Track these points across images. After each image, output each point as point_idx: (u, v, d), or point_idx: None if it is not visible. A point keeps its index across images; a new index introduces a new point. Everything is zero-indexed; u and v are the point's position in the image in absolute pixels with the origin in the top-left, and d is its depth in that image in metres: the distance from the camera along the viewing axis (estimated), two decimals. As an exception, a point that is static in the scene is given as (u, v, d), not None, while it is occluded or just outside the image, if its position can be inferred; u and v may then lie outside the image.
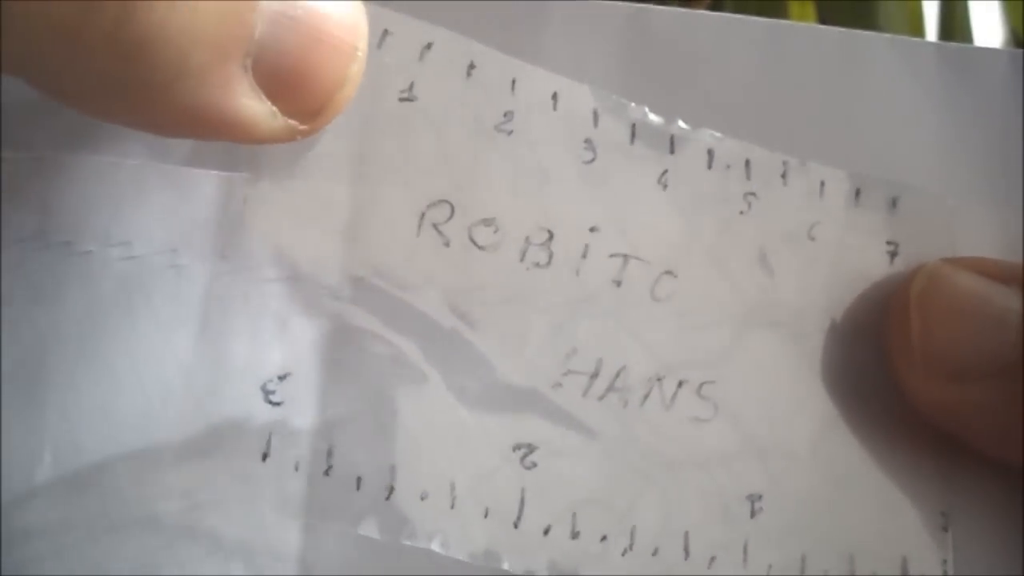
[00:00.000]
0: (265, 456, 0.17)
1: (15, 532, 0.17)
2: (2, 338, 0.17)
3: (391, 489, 0.17)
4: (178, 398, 0.17)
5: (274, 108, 0.15)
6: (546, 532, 0.17)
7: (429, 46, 0.18)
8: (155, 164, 0.18)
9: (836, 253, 0.18)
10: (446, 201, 0.18)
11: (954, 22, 0.30)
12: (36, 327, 0.17)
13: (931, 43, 0.19)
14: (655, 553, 0.17)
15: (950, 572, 0.17)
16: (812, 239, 0.18)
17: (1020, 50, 0.19)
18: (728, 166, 0.18)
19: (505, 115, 0.18)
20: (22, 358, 0.17)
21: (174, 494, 0.17)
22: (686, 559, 0.17)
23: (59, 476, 0.17)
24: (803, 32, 0.19)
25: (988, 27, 0.30)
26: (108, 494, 0.17)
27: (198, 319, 0.17)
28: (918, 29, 0.30)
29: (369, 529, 0.17)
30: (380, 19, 0.18)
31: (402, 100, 0.18)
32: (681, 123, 0.18)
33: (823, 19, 0.31)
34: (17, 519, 0.17)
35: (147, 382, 0.17)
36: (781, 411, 0.18)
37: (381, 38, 0.18)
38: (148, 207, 0.18)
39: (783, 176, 0.18)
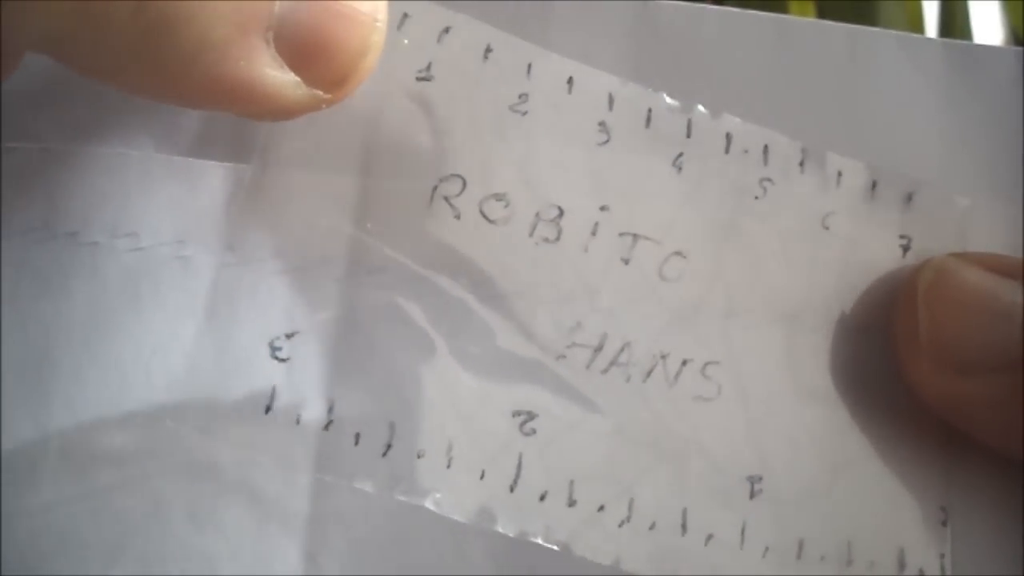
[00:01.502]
0: (268, 409, 0.17)
1: (20, 523, 0.17)
2: (8, 329, 0.17)
3: (388, 446, 0.17)
4: (184, 388, 0.17)
5: (297, 79, 0.15)
6: (542, 498, 0.17)
7: (447, 30, 0.18)
8: (162, 155, 0.17)
9: (849, 244, 0.18)
10: (458, 176, 0.18)
11: (954, 22, 0.30)
12: (42, 318, 0.17)
13: (936, 40, 0.19)
14: (652, 527, 0.17)
15: (947, 567, 0.17)
16: (826, 228, 0.18)
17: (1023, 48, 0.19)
18: (746, 151, 0.18)
19: (520, 96, 0.18)
20: (28, 349, 0.17)
21: (180, 479, 0.17)
22: (683, 535, 0.17)
23: (65, 466, 0.17)
24: (810, 28, 0.19)
25: (988, 27, 0.31)
26: (114, 484, 0.17)
27: (205, 310, 0.17)
28: (918, 29, 0.30)
29: (364, 484, 0.17)
30: (400, 3, 0.18)
31: (419, 79, 0.18)
32: (701, 108, 0.18)
33: (822, 18, 0.31)
34: (22, 510, 0.17)
35: (153, 373, 0.17)
36: (785, 396, 0.18)
37: (401, 21, 0.18)
38: (154, 198, 0.17)
39: (801, 164, 0.18)
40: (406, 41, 0.18)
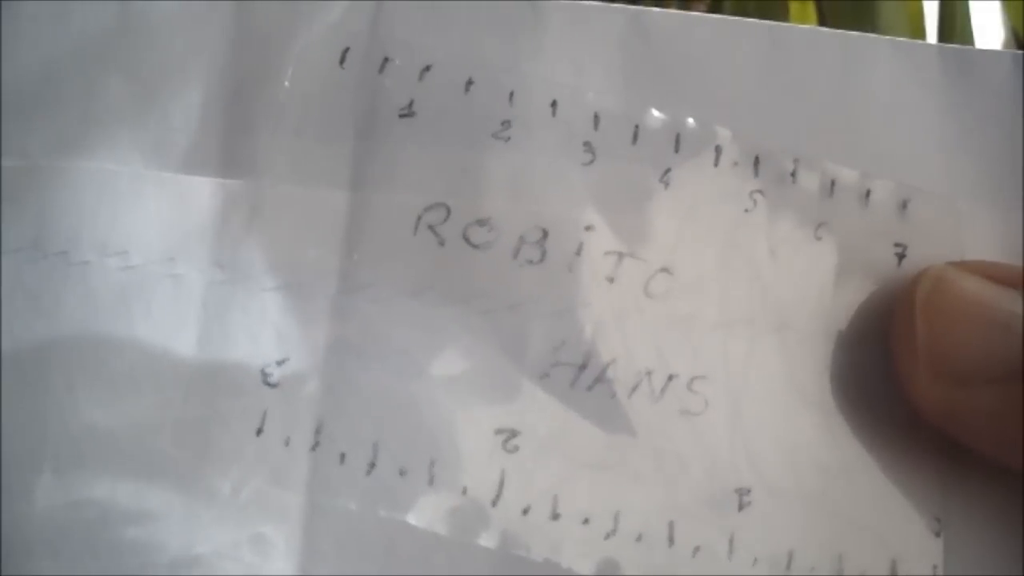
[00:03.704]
0: (259, 432, 0.17)
1: (16, 544, 0.17)
2: (1, 351, 0.17)
3: (372, 465, 0.17)
4: (177, 408, 0.17)
5: None
6: (525, 512, 0.17)
7: (428, 68, 0.18)
8: (152, 172, 0.17)
9: (843, 253, 0.18)
10: (443, 204, 0.18)
11: (954, 23, 0.30)
12: (34, 338, 0.17)
13: (933, 45, 0.19)
14: (639, 539, 0.17)
15: None
16: (819, 239, 0.18)
17: (1022, 52, 0.19)
18: (736, 163, 0.18)
19: (502, 124, 0.18)
20: (21, 370, 0.17)
21: (174, 492, 0.17)
22: (670, 547, 0.17)
23: (59, 487, 0.17)
24: (805, 35, 0.18)
25: (988, 28, 0.30)
26: (108, 504, 0.17)
27: (197, 329, 0.17)
28: (918, 30, 0.30)
29: (348, 502, 0.17)
30: (381, 47, 0.18)
31: (402, 116, 0.18)
32: (690, 120, 0.18)
33: (823, 20, 0.31)
34: (18, 531, 0.17)
35: (146, 392, 0.17)
36: (778, 407, 0.17)
37: (382, 64, 0.18)
38: (145, 216, 0.17)
39: (793, 174, 0.18)
40: (388, 83, 0.18)
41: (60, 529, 0.17)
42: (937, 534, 0.17)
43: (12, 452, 0.17)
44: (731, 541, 0.17)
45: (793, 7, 0.31)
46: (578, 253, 0.18)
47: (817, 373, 0.18)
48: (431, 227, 0.18)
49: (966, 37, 0.30)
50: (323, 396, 0.17)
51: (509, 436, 0.17)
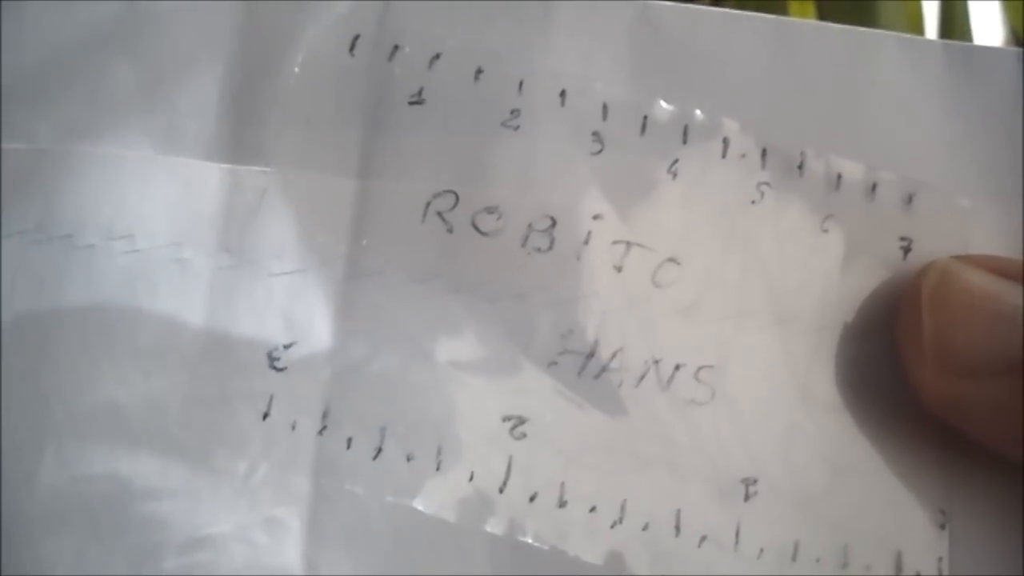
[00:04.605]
0: (266, 416, 0.17)
1: (17, 522, 0.16)
2: (5, 332, 0.17)
3: (379, 450, 0.17)
4: (183, 392, 0.17)
5: None
6: (532, 499, 0.17)
7: (438, 56, 0.18)
8: (159, 156, 0.17)
9: (849, 246, 0.18)
10: (451, 191, 0.18)
11: (954, 22, 0.30)
12: (38, 321, 0.17)
13: (937, 42, 0.19)
14: (645, 528, 0.17)
15: (945, 570, 0.17)
16: (825, 231, 0.18)
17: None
18: (743, 155, 0.18)
19: (512, 112, 0.18)
20: (24, 353, 0.17)
21: (180, 473, 0.17)
22: (676, 536, 0.17)
23: (62, 472, 0.17)
24: (811, 29, 0.18)
25: (988, 27, 0.30)
26: (113, 483, 0.17)
27: (203, 314, 0.17)
28: (918, 29, 0.30)
29: (355, 486, 0.17)
30: (390, 34, 0.18)
31: (411, 104, 0.18)
32: (698, 112, 0.18)
33: (823, 18, 0.31)
34: (19, 509, 0.16)
35: (152, 372, 0.17)
36: (783, 399, 0.17)
37: (391, 52, 0.18)
38: (151, 200, 0.17)
39: (799, 167, 0.18)
40: (398, 71, 0.18)
41: (63, 508, 0.16)
42: (942, 527, 0.17)
43: (14, 430, 0.17)
44: (737, 531, 0.17)
45: (792, 6, 0.31)
46: (586, 242, 0.18)
47: (822, 364, 0.18)
48: (440, 214, 0.17)
49: (965, 37, 0.30)
50: (330, 381, 0.17)
51: (516, 423, 0.17)
